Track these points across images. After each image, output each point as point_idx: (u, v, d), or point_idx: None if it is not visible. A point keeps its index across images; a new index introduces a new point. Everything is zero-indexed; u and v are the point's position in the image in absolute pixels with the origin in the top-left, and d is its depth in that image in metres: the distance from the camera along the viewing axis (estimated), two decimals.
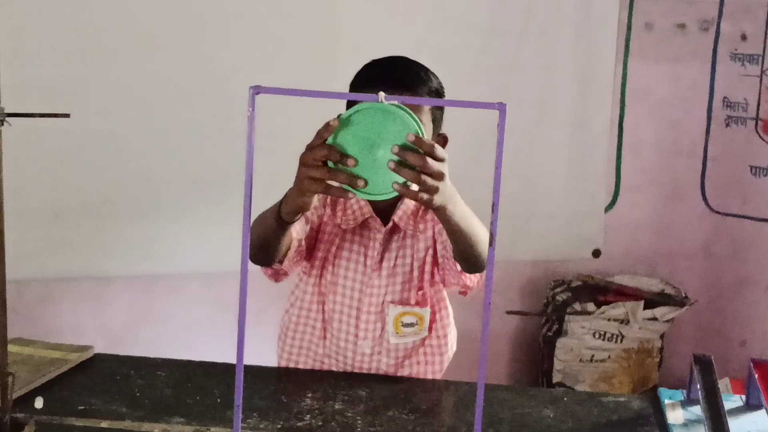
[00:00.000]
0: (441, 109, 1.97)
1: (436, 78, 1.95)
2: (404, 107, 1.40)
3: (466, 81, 3.01)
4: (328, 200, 2.04)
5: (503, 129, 1.37)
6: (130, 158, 3.03)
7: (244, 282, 1.48)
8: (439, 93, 1.94)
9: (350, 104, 1.97)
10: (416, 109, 1.87)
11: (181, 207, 3.12)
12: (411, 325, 2.02)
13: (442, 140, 2.00)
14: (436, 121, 1.95)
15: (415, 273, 2.03)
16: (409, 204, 2.02)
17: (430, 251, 2.03)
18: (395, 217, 1.99)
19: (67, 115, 1.50)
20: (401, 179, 1.39)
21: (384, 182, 1.41)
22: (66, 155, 2.96)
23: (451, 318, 2.14)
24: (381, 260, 2.01)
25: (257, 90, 1.42)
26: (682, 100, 3.74)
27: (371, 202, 2.00)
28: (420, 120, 1.88)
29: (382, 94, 1.38)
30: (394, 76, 1.89)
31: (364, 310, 2.02)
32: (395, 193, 1.39)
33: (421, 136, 1.41)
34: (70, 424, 1.65)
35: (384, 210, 2.02)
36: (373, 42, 3.01)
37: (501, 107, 1.36)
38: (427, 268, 2.03)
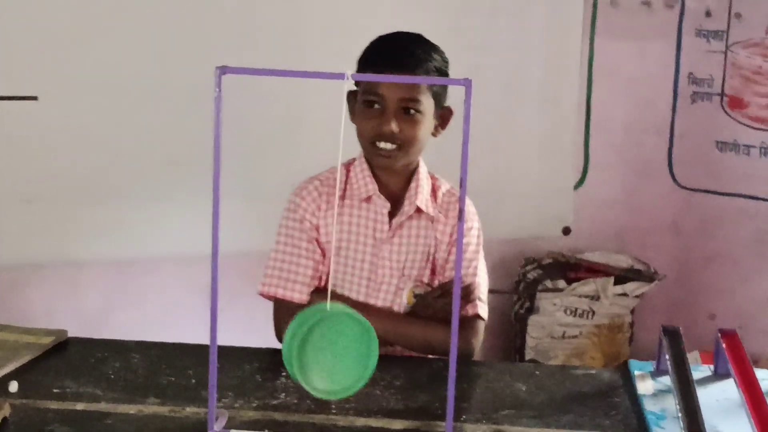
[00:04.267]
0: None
1: (440, 54, 2.02)
2: (349, 311, 1.48)
3: None
4: (323, 190, 2.08)
5: (470, 104, 1.39)
6: (101, 142, 3.01)
7: (215, 263, 1.49)
8: (439, 70, 2.01)
9: (357, 83, 2.02)
10: (414, 87, 1.95)
11: (155, 190, 3.10)
12: (421, 297, 2.07)
13: (447, 113, 2.08)
14: (438, 95, 2.02)
15: (430, 256, 2.09)
16: (424, 186, 2.09)
17: (444, 249, 2.09)
18: (420, 204, 2.06)
19: (34, 98, 1.50)
20: (363, 378, 1.49)
21: (345, 379, 1.48)
22: (36, 140, 2.92)
23: None
24: (393, 235, 2.06)
25: (224, 70, 1.43)
26: (648, 77, 3.76)
27: (376, 180, 2.06)
28: (419, 99, 1.95)
29: (348, 72, 1.39)
30: (391, 57, 1.96)
31: (377, 280, 2.07)
32: (355, 390, 1.50)
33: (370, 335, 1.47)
34: (46, 407, 1.65)
35: (390, 190, 2.07)
36: (343, 22, 3.00)
37: (467, 83, 1.38)
38: (439, 261, 2.10)
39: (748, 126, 3.60)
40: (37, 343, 1.91)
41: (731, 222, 3.72)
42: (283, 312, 2.03)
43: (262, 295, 2.07)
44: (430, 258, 2.09)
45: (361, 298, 2.07)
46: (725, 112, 3.63)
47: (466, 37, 3.37)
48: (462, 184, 1.40)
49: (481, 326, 2.07)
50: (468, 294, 2.04)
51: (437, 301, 2.02)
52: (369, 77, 1.42)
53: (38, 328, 2.00)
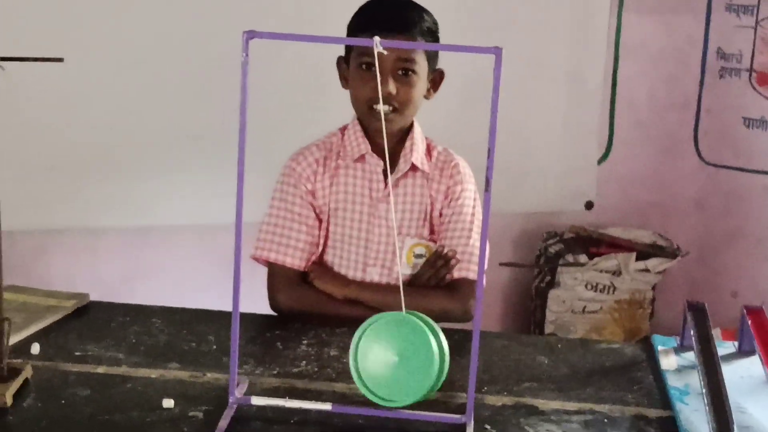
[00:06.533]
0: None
1: (430, 16, 2.02)
2: (418, 315, 1.49)
3: (463, 34, 2.98)
4: (320, 156, 2.08)
5: (499, 74, 1.37)
6: (125, 111, 3.01)
7: (238, 229, 1.48)
8: (432, 32, 2.01)
9: (348, 48, 2.03)
10: (409, 49, 1.95)
11: (176, 160, 3.10)
12: (421, 256, 2.06)
13: (438, 76, 2.08)
14: (431, 57, 2.02)
15: (427, 215, 2.08)
16: (419, 144, 2.08)
17: (438, 208, 2.08)
18: (415, 161, 2.06)
19: (60, 60, 1.49)
20: (421, 391, 1.46)
21: (403, 391, 1.46)
22: (58, 108, 2.93)
23: None
24: (389, 194, 2.05)
25: (251, 35, 1.42)
26: (676, 52, 3.72)
27: (369, 141, 2.05)
28: (415, 60, 1.95)
29: (377, 38, 1.38)
30: (386, 20, 1.96)
31: (374, 240, 2.06)
32: (412, 401, 1.47)
33: (440, 345, 1.47)
34: (67, 370, 1.66)
35: (384, 149, 2.05)
36: None
37: (497, 51, 1.36)
38: (435, 220, 2.10)
39: None
40: (60, 306, 1.92)
41: (756, 199, 3.69)
42: (277, 276, 2.03)
43: (254, 258, 2.06)
44: (428, 216, 2.08)
45: (360, 260, 2.07)
46: (753, 88, 3.59)
47: (492, 10, 3.35)
48: (490, 154, 1.39)
49: None
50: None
51: (430, 269, 2.02)
52: (400, 44, 1.41)
53: (61, 291, 2.01)
